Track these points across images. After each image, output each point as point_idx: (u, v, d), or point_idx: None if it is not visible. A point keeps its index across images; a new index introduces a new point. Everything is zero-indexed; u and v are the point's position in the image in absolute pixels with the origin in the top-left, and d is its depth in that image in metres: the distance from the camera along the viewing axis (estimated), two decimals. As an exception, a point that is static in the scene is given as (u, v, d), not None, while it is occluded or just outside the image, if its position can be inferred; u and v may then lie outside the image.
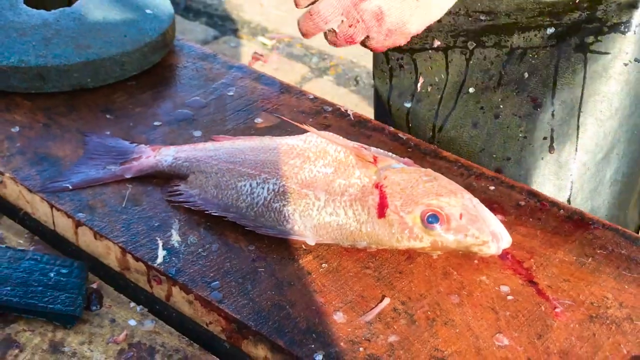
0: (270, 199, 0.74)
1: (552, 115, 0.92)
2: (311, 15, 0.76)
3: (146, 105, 0.93)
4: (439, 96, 0.98)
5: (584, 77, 0.91)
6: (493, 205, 0.78)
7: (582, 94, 0.91)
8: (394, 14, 0.75)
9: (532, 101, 0.92)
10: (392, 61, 1.02)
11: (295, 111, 0.92)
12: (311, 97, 0.96)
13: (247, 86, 0.97)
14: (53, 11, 0.99)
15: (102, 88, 0.95)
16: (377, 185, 0.72)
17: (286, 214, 0.73)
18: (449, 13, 0.90)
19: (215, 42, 3.07)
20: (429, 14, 0.76)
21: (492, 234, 0.69)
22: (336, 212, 0.72)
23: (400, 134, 0.89)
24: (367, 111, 2.75)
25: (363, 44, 0.79)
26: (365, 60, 2.96)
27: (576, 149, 0.92)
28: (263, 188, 0.75)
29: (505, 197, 0.79)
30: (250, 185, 0.75)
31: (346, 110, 0.92)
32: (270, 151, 0.77)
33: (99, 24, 0.98)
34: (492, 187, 0.81)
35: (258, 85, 0.97)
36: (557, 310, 0.67)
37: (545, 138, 0.92)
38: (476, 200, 0.71)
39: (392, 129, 0.90)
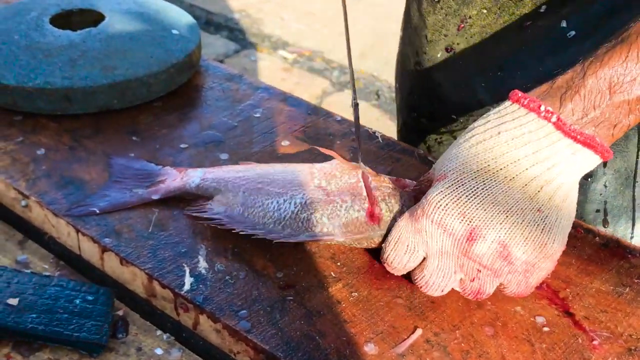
0: (298, 210, 0.73)
1: (605, 186, 0.85)
2: (420, 287, 0.68)
3: (172, 127, 0.92)
4: None
5: (639, 144, 0.83)
6: (526, 232, 0.76)
7: (637, 162, 0.83)
8: (522, 240, 0.62)
9: None
10: (430, 140, 0.98)
11: (323, 133, 0.91)
12: (338, 118, 0.94)
13: (274, 107, 0.96)
14: (79, 32, 0.99)
15: (128, 109, 0.94)
16: None
17: (314, 220, 0.73)
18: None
19: (236, 56, 3.08)
20: (564, 211, 0.64)
21: None
22: (363, 208, 0.72)
23: (430, 157, 0.87)
24: (388, 125, 2.74)
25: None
26: (386, 74, 2.95)
27: (633, 223, 0.85)
28: (290, 203, 0.74)
29: (539, 223, 0.78)
30: (278, 202, 0.74)
31: (374, 132, 0.91)
32: (298, 172, 0.77)
33: (125, 45, 0.97)
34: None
35: (285, 106, 0.96)
36: (594, 342, 0.65)
37: (597, 211, 0.86)
38: None
39: (421, 151, 0.88)
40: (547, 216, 0.63)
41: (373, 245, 0.73)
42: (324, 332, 0.66)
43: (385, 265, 0.70)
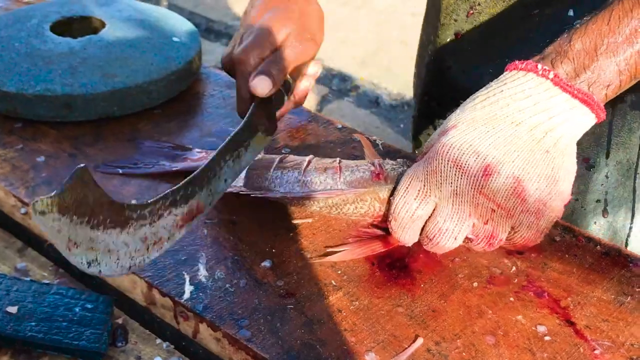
0: (301, 176, 0.76)
1: (606, 176, 0.86)
2: (431, 239, 0.67)
3: (172, 134, 0.92)
4: None
5: None
6: (527, 240, 0.76)
7: (639, 154, 0.84)
8: (534, 176, 0.63)
9: (584, 161, 0.86)
10: (439, 125, 0.99)
11: (323, 141, 0.91)
12: (339, 126, 0.94)
13: (274, 115, 0.96)
14: (79, 39, 0.99)
15: (128, 117, 0.94)
16: None
17: (318, 181, 0.75)
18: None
19: (236, 63, 3.08)
20: (568, 157, 0.65)
21: None
22: (369, 169, 0.74)
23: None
24: (388, 132, 2.74)
25: (511, 242, 0.67)
26: (386, 81, 2.95)
27: (633, 214, 0.86)
28: (297, 171, 0.77)
29: (540, 231, 0.77)
30: (286, 172, 0.77)
31: (375, 140, 0.91)
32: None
33: (125, 52, 0.97)
34: (525, 221, 0.79)
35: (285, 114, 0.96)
36: (596, 352, 0.65)
37: (598, 201, 0.87)
38: None
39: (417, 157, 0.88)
40: (554, 157, 0.64)
41: (377, 210, 0.73)
42: (325, 341, 0.65)
43: (390, 222, 0.69)
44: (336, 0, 3.15)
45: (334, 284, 0.71)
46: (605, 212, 0.87)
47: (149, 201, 0.64)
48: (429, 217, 0.67)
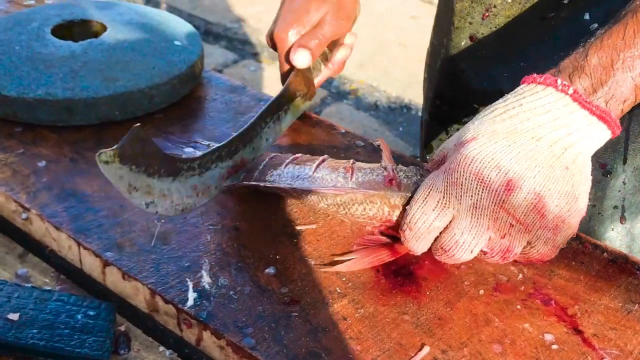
0: (312, 172, 0.76)
1: (624, 183, 0.85)
2: (446, 251, 0.66)
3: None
4: None
5: None
6: (533, 247, 0.75)
7: None
8: (555, 193, 0.63)
9: (601, 167, 0.86)
10: (452, 130, 0.98)
11: (327, 146, 0.90)
12: (342, 131, 0.94)
13: (277, 119, 0.95)
14: (81, 42, 0.98)
15: (130, 121, 0.93)
16: None
17: (329, 179, 0.75)
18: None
19: (235, 66, 3.07)
20: (585, 174, 0.66)
21: None
22: (382, 174, 0.74)
23: (435, 171, 0.86)
24: (387, 135, 2.73)
25: (526, 257, 0.67)
26: (385, 84, 2.95)
27: None
28: (308, 167, 0.77)
29: (546, 238, 0.77)
30: (297, 167, 0.78)
31: (378, 145, 0.90)
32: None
33: (127, 56, 0.97)
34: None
35: (288, 118, 0.95)
36: (604, 360, 0.64)
37: (615, 207, 0.86)
38: None
39: (428, 165, 0.88)
40: (574, 174, 0.64)
41: (385, 215, 0.73)
42: (330, 349, 0.65)
43: (404, 232, 0.68)
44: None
45: (339, 291, 0.70)
46: (622, 219, 0.87)
47: (197, 156, 0.76)
48: (445, 228, 0.66)
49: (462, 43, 0.91)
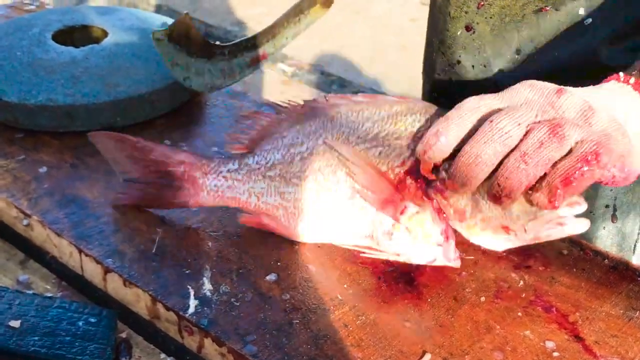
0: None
1: None
2: (493, 122, 0.61)
3: (176, 144, 0.91)
4: None
5: None
6: (535, 253, 0.75)
7: None
8: (604, 111, 0.62)
9: None
10: None
11: (327, 152, 0.90)
12: (343, 137, 0.93)
13: (278, 125, 0.95)
14: (82, 48, 0.98)
15: (131, 127, 0.94)
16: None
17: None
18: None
19: (235, 69, 3.07)
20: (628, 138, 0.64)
21: None
22: None
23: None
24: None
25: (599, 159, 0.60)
26: (385, 86, 2.95)
27: None
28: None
29: (547, 245, 0.77)
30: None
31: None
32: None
33: (128, 62, 0.97)
34: (532, 234, 0.78)
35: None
36: (605, 368, 0.64)
37: (607, 206, 0.87)
38: None
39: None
40: (620, 127, 0.62)
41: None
42: (331, 357, 0.65)
43: (451, 112, 0.65)
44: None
45: (340, 298, 0.70)
46: (614, 218, 0.87)
47: (228, 44, 0.93)
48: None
49: (458, 33, 0.91)
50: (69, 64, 0.95)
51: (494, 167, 0.61)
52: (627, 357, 0.65)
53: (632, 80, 0.66)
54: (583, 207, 0.66)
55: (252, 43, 0.94)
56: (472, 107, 0.63)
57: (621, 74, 0.67)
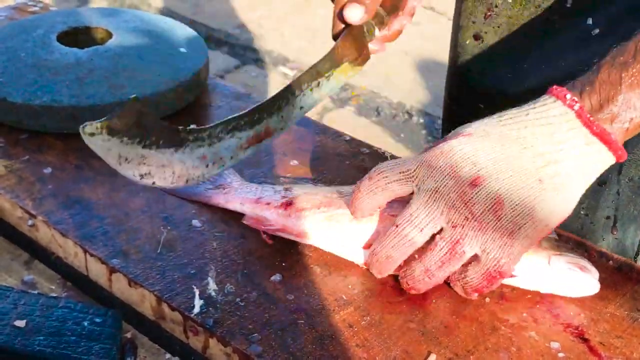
0: None
1: (618, 193, 0.85)
2: (397, 225, 0.67)
3: (179, 145, 0.91)
4: None
5: None
6: (539, 255, 0.75)
7: None
8: (516, 199, 0.64)
9: None
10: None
11: (332, 153, 0.91)
12: (347, 138, 0.94)
13: (282, 127, 0.95)
14: (86, 50, 0.99)
15: (135, 128, 0.94)
16: None
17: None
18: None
19: (237, 72, 3.08)
20: (560, 195, 0.66)
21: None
22: None
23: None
24: (389, 142, 2.73)
25: (483, 268, 0.66)
26: (387, 90, 2.95)
27: None
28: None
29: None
30: None
31: (383, 153, 0.90)
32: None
33: (132, 63, 0.97)
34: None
35: (293, 126, 0.95)
36: (610, 368, 0.64)
37: (608, 218, 0.86)
38: None
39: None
40: (545, 189, 0.65)
41: None
42: (336, 357, 0.65)
43: (362, 181, 0.70)
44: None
45: (345, 298, 0.70)
46: (614, 229, 0.87)
47: (209, 125, 0.72)
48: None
49: (467, 42, 0.92)
50: (73, 66, 0.96)
51: (404, 258, 0.69)
52: (632, 358, 0.65)
53: (577, 107, 0.65)
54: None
55: (251, 118, 0.75)
56: (382, 184, 0.69)
57: (568, 95, 0.65)
